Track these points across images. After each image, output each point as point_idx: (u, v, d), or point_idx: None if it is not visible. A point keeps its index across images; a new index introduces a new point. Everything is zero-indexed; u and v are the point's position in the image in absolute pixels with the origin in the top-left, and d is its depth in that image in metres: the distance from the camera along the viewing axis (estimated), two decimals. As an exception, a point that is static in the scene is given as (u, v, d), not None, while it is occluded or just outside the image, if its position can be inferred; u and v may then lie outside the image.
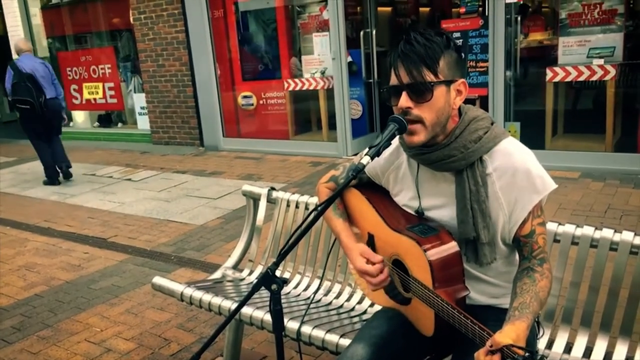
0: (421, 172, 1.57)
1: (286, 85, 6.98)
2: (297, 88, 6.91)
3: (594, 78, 5.11)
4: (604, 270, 1.67)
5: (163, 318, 3.12)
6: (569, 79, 5.25)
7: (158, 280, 2.25)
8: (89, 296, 3.49)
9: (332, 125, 6.68)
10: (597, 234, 1.69)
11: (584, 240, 1.71)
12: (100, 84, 8.81)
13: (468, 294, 1.48)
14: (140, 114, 8.64)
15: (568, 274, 1.77)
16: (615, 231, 1.66)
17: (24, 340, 2.98)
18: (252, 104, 7.36)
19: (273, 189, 2.50)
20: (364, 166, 1.36)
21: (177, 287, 2.17)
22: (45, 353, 2.83)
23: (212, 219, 4.82)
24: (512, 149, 1.44)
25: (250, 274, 2.44)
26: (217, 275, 2.45)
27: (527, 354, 1.17)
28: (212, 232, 4.49)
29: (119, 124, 9.44)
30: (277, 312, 1.47)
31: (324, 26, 6.55)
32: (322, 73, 6.68)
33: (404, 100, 1.39)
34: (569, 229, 1.73)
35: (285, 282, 1.47)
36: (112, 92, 8.79)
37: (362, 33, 6.52)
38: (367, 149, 1.65)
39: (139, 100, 8.59)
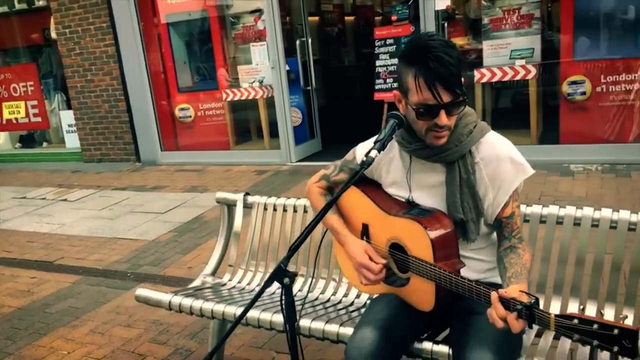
0: (413, 164, 1.69)
1: (224, 95, 6.98)
2: (236, 98, 6.92)
3: (518, 77, 5.52)
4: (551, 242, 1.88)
5: (132, 334, 3.06)
6: (495, 79, 5.64)
7: (142, 292, 2.23)
8: (47, 320, 3.34)
9: (273, 134, 6.74)
10: (562, 212, 1.89)
11: (550, 220, 1.91)
12: (22, 103, 8.37)
13: (463, 266, 1.62)
14: (68, 131, 8.28)
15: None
16: (577, 208, 1.87)
17: (-16, 371, 2.83)
18: (190, 116, 7.28)
19: (247, 194, 2.54)
20: (373, 159, 1.47)
21: (164, 297, 2.17)
22: (11, 381, 2.70)
23: (163, 233, 4.74)
24: (496, 141, 1.61)
25: (230, 279, 2.46)
26: (196, 283, 2.45)
27: (533, 299, 1.32)
28: (166, 246, 4.42)
29: (44, 144, 9.00)
30: (289, 304, 1.54)
31: (259, 36, 6.62)
32: (260, 82, 6.74)
33: (444, 118, 1.50)
34: (536, 209, 1.93)
35: (295, 275, 1.54)
36: (36, 111, 8.36)
37: (298, 42, 6.65)
38: (359, 146, 1.78)
39: (66, 118, 8.24)
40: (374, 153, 1.47)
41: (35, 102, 8.32)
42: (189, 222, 4.94)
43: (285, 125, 6.43)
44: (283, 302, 1.53)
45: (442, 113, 1.50)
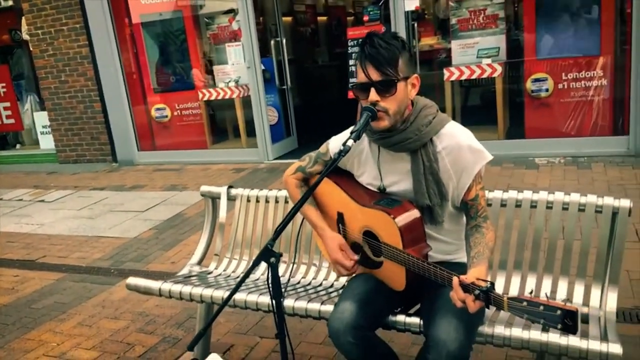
0: (382, 155, 1.86)
1: (200, 95, 7.07)
2: (212, 98, 7.02)
3: (485, 76, 5.76)
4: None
5: (119, 326, 3.16)
6: (463, 77, 5.88)
7: (133, 280, 2.36)
8: (33, 315, 3.42)
9: (250, 132, 6.87)
10: (521, 196, 2.09)
11: (510, 203, 2.10)
12: (-5, 104, 8.30)
13: (430, 249, 1.80)
14: (42, 133, 8.26)
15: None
16: (549, 192, 2.07)
17: (-25, 364, 2.91)
18: (167, 116, 7.35)
19: (231, 187, 2.68)
20: (350, 147, 1.63)
21: (154, 284, 2.30)
22: (3, 373, 2.79)
23: (144, 230, 4.84)
24: (456, 131, 1.78)
25: (216, 267, 2.60)
26: (184, 271, 2.58)
27: (489, 284, 1.51)
28: (147, 243, 4.52)
29: (17, 145, 8.94)
30: (275, 281, 1.69)
31: (234, 36, 6.74)
32: (236, 82, 6.85)
33: (373, 95, 1.68)
34: (497, 194, 2.12)
35: (281, 255, 1.69)
36: (9, 112, 8.32)
37: (272, 42, 6.79)
38: (332, 139, 1.94)
39: (40, 119, 8.22)
40: (350, 142, 1.63)
41: (8, 104, 8.27)
42: (169, 219, 5.04)
43: (262, 124, 6.56)
44: (270, 280, 1.68)
45: (372, 90, 1.68)
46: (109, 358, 2.82)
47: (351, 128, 1.72)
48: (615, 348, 1.59)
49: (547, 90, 5.53)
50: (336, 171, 2.00)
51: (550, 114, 5.56)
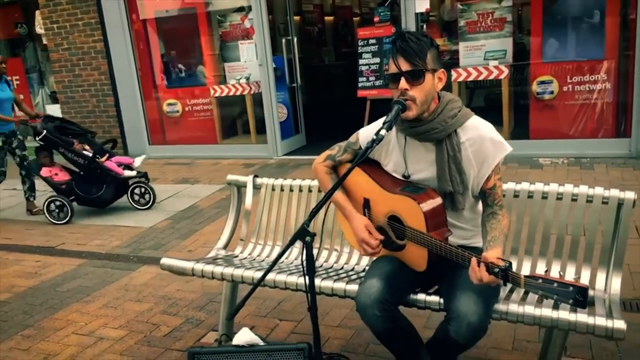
0: (407, 145, 2.02)
1: (212, 91, 7.22)
2: (224, 94, 7.18)
3: (491, 77, 5.93)
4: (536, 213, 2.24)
5: (144, 308, 3.32)
6: (470, 79, 6.04)
7: (167, 260, 2.51)
8: (59, 297, 3.57)
9: (259, 129, 7.02)
10: (532, 187, 2.25)
11: (522, 194, 2.26)
12: (8, 96, 8.43)
13: (451, 234, 1.95)
14: (54, 125, 8.39)
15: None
16: (560, 185, 2.22)
17: (8, 340, 3.05)
18: (178, 111, 7.50)
19: (256, 176, 2.83)
20: (383, 137, 1.78)
21: (187, 264, 2.45)
22: (36, 348, 2.93)
23: (160, 220, 4.99)
24: (479, 124, 1.94)
25: (242, 251, 2.75)
26: (211, 255, 2.73)
27: (507, 263, 1.66)
28: (164, 232, 4.67)
29: (28, 138, 9.06)
30: (310, 258, 1.84)
31: (247, 34, 6.89)
32: (247, 79, 7.00)
33: (403, 83, 1.84)
34: (511, 185, 2.28)
35: (315, 235, 1.84)
36: (22, 105, 8.44)
37: (284, 41, 6.94)
38: (361, 130, 2.10)
39: (52, 112, 8.34)
40: (383, 132, 1.78)
41: (21, 97, 8.39)
42: (183, 210, 5.19)
43: (272, 120, 6.72)
44: (304, 257, 1.83)
45: (402, 80, 1.84)
46: (136, 336, 2.97)
47: (382, 119, 1.87)
48: (620, 324, 1.74)
49: (552, 92, 5.69)
50: (364, 160, 2.14)
51: (555, 116, 5.72)
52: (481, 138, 1.91)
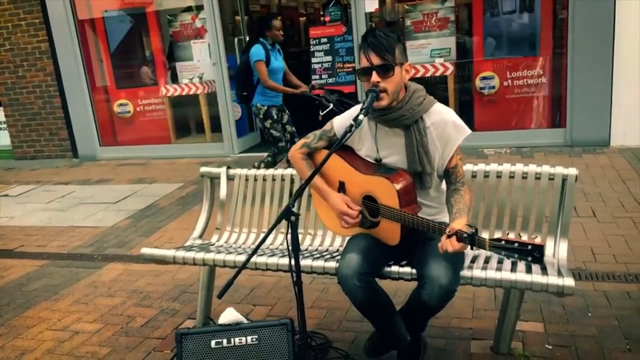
0: (378, 131, 2.21)
1: (164, 91, 7.21)
2: (176, 94, 7.18)
3: (437, 74, 6.26)
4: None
5: (116, 302, 3.35)
6: (418, 76, 6.34)
7: (147, 250, 2.58)
8: (26, 297, 3.54)
9: (214, 128, 7.07)
10: (488, 168, 2.49)
11: (479, 173, 2.50)
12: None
13: (421, 209, 2.15)
14: (-3, 129, 8.12)
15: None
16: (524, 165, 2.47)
17: (-21, 340, 3.02)
18: (129, 112, 7.43)
19: (229, 167, 2.95)
20: (362, 121, 1.95)
21: (169, 252, 2.54)
22: (11, 345, 2.93)
23: (120, 219, 4.98)
24: (442, 110, 2.15)
25: (218, 240, 2.86)
26: (188, 244, 2.83)
27: (473, 229, 1.88)
28: (126, 231, 4.67)
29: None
30: (295, 237, 1.99)
31: (198, 33, 6.93)
32: (200, 78, 7.04)
33: (375, 77, 2.02)
34: (469, 167, 2.51)
35: (299, 215, 1.99)
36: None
37: (236, 40, 7.03)
38: (335, 119, 2.28)
39: (-5, 116, 8.08)
40: (361, 117, 1.96)
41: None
42: (143, 209, 5.20)
43: (227, 119, 6.79)
44: (289, 236, 1.98)
45: (374, 73, 2.03)
46: (113, 328, 3.02)
47: (358, 106, 2.05)
48: (570, 281, 1.99)
49: (493, 87, 6.08)
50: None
51: (497, 109, 6.12)
52: (444, 122, 2.12)
